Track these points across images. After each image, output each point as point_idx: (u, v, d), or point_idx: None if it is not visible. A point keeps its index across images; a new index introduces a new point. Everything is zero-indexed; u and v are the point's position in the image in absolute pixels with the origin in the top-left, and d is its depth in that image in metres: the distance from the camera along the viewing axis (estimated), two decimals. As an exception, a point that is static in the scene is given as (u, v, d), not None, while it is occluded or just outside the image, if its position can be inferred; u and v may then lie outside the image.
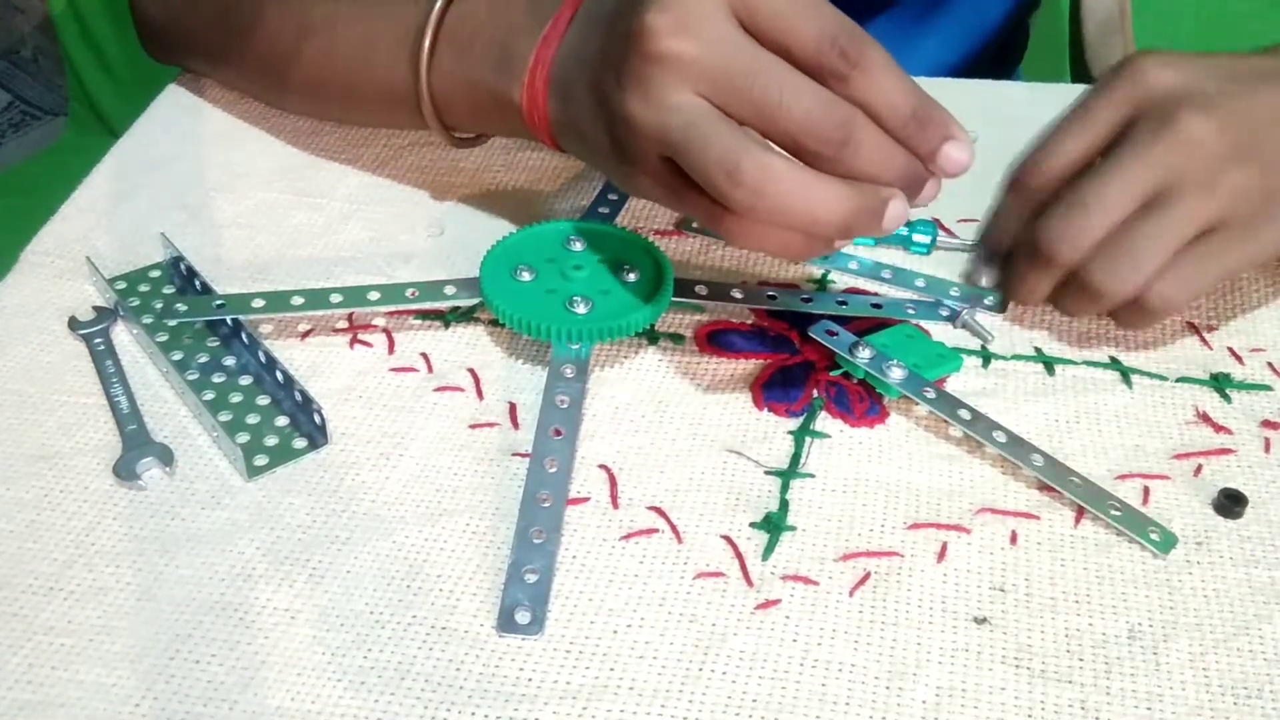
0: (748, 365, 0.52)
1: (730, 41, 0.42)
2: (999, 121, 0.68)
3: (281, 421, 0.49)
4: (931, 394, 0.48)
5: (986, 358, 0.52)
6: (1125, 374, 0.51)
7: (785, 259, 0.56)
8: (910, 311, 0.54)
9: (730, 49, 0.42)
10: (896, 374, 0.49)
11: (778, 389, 0.50)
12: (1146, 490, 0.46)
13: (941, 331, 0.53)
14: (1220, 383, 0.51)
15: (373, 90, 0.59)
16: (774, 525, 0.45)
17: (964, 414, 0.47)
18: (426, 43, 0.55)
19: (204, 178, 0.63)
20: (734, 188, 0.41)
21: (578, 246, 0.54)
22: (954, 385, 0.51)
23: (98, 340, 0.52)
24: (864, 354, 0.49)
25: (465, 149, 0.62)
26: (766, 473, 0.47)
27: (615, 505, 0.46)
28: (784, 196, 0.41)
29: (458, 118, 0.58)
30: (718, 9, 0.42)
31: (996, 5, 0.83)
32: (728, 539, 0.44)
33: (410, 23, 0.56)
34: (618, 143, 0.46)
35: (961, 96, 0.70)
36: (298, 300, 0.52)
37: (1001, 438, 0.47)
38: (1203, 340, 0.53)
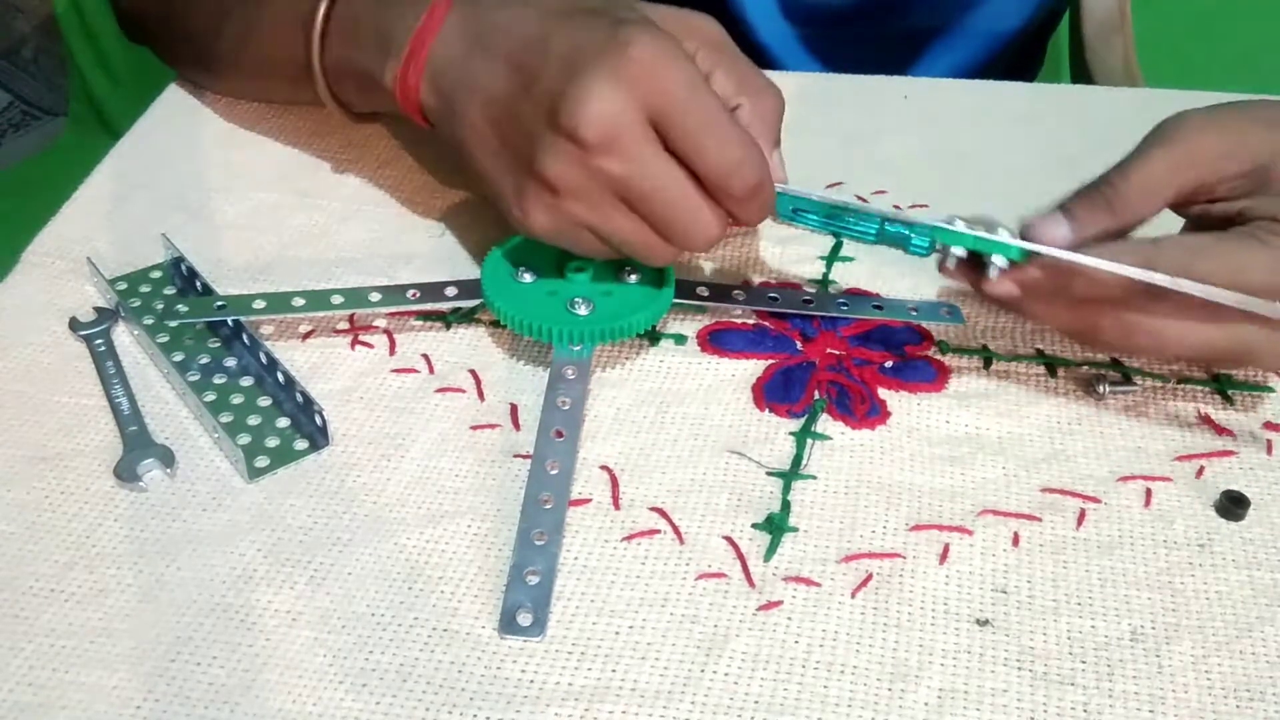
0: (749, 366, 0.52)
1: (649, 161, 0.46)
2: (999, 122, 0.68)
3: (283, 423, 0.49)
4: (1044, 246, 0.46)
5: (988, 359, 0.52)
6: (1127, 375, 0.51)
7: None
8: (913, 312, 0.54)
9: (648, 169, 0.46)
10: (1004, 234, 0.47)
11: (779, 390, 0.50)
12: (1149, 492, 0.46)
13: (940, 332, 0.53)
14: (1222, 385, 0.51)
15: (281, 68, 0.61)
16: (776, 526, 0.45)
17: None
18: (318, 23, 0.56)
19: (204, 178, 0.63)
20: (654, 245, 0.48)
21: (579, 247, 0.54)
22: (955, 388, 0.51)
23: (99, 341, 0.52)
24: (961, 225, 0.48)
25: (364, 124, 0.62)
26: (768, 474, 0.47)
27: (617, 506, 0.46)
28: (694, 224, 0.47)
29: (349, 97, 0.59)
30: (639, 123, 0.45)
31: (1012, 19, 0.83)
32: (729, 540, 0.44)
33: (311, 3, 0.57)
34: (523, 206, 0.48)
35: (962, 96, 0.70)
36: (299, 301, 0.52)
37: (1193, 286, 0.44)
38: (1204, 341, 0.53)
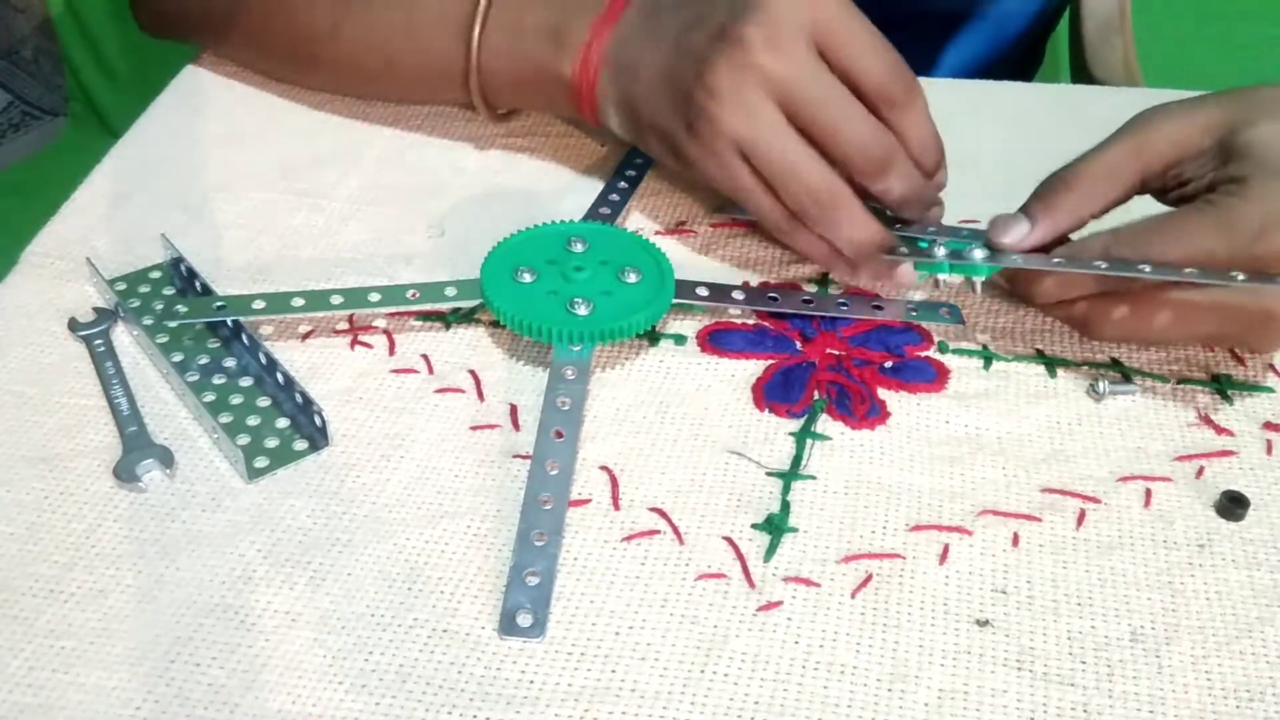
0: (749, 366, 0.52)
1: (809, 65, 0.49)
2: (999, 122, 0.68)
3: (282, 423, 0.49)
4: (1019, 257, 0.50)
5: (988, 359, 0.52)
6: (1127, 376, 0.51)
7: (811, 263, 0.57)
8: (912, 313, 0.54)
9: (808, 72, 0.49)
10: (979, 254, 0.51)
11: (779, 390, 0.50)
12: (1149, 492, 0.46)
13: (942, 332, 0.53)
14: (1222, 385, 0.51)
15: (414, 66, 0.62)
16: (775, 527, 0.45)
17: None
18: (479, 20, 0.59)
19: (204, 178, 0.63)
20: (798, 192, 0.50)
21: (579, 248, 0.54)
22: (955, 388, 0.51)
23: (98, 341, 0.52)
24: (940, 252, 0.52)
25: (502, 123, 0.66)
26: (768, 474, 0.47)
27: (616, 507, 0.46)
28: (834, 210, 0.50)
29: (499, 92, 0.62)
30: (802, 32, 0.49)
31: (1018, 18, 0.83)
32: (729, 540, 0.44)
33: (466, 5, 0.59)
34: (693, 130, 0.51)
35: (962, 96, 0.70)
36: (298, 302, 0.52)
37: (1148, 270, 0.47)
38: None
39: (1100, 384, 0.50)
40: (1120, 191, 0.50)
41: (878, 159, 0.50)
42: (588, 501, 0.46)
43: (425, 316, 0.54)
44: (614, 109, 0.56)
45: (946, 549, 0.44)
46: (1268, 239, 0.45)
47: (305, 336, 0.53)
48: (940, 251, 0.52)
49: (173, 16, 0.71)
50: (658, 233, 0.59)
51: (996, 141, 0.66)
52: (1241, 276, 0.45)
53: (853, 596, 0.42)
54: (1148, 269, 0.46)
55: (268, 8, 0.65)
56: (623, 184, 0.62)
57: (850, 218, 0.50)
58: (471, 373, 0.51)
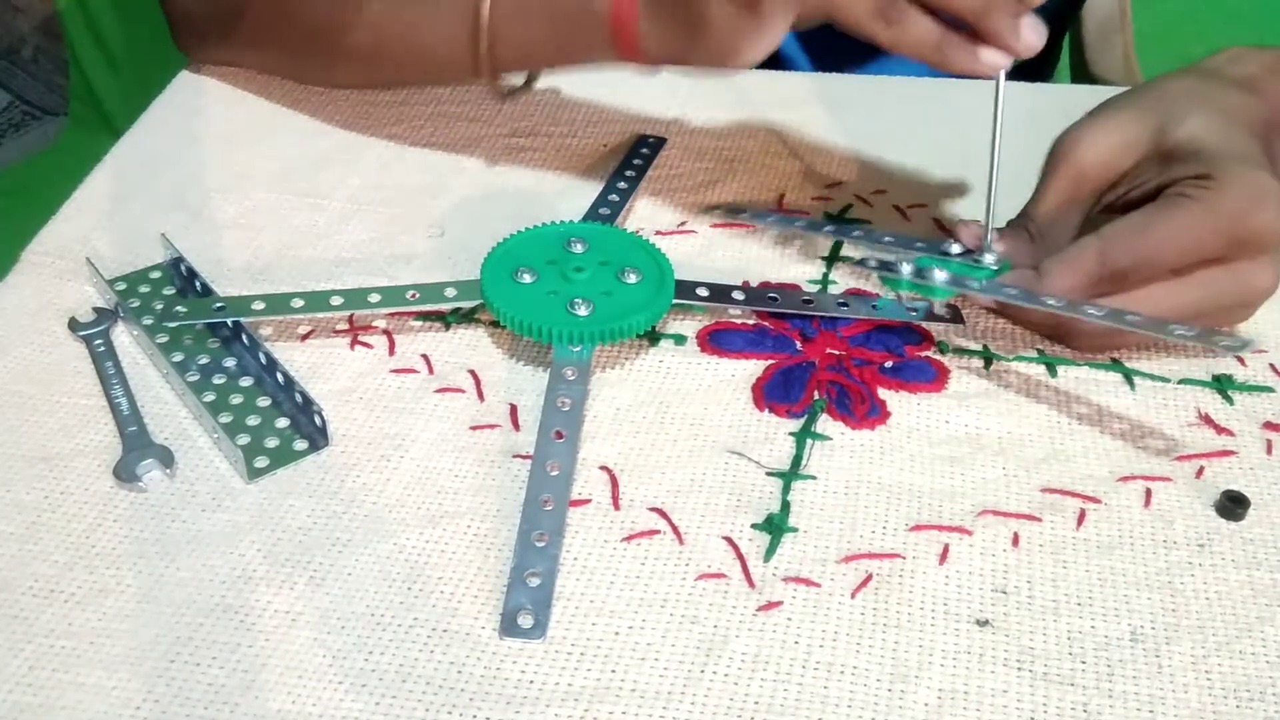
0: (749, 366, 0.52)
1: None
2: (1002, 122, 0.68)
3: (282, 423, 0.49)
4: (977, 284, 0.50)
5: (988, 359, 0.52)
6: (1127, 375, 0.51)
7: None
8: (912, 313, 0.54)
9: None
10: (940, 275, 0.51)
11: (779, 390, 0.50)
12: (1148, 492, 0.46)
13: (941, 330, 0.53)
14: (1222, 384, 0.51)
15: (433, 43, 0.61)
16: (775, 527, 0.45)
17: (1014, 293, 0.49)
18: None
19: (205, 178, 0.63)
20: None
21: (579, 248, 0.54)
22: (955, 388, 0.51)
23: (98, 341, 0.52)
24: (906, 269, 0.52)
25: (510, 101, 0.64)
26: (768, 474, 0.47)
27: (616, 506, 0.46)
28: None
29: (521, 48, 0.59)
30: None
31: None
32: (729, 540, 0.44)
33: None
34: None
35: (963, 96, 0.70)
36: (298, 303, 0.52)
37: (1096, 311, 0.47)
38: (1204, 341, 0.53)
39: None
40: (1074, 227, 0.52)
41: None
42: (588, 501, 0.46)
43: (425, 316, 0.54)
44: (662, 18, 0.53)
45: (946, 549, 0.44)
46: (1251, 217, 0.47)
47: (305, 336, 0.53)
48: (905, 268, 0.52)
49: (202, 34, 0.71)
50: (658, 232, 0.59)
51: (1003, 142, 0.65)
52: (1180, 330, 0.45)
53: (853, 596, 0.42)
54: (1095, 313, 0.47)
55: (292, 5, 0.65)
56: (622, 184, 0.62)
57: None
58: (471, 372, 0.51)
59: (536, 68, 0.64)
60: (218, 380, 0.50)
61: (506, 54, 0.60)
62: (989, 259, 0.51)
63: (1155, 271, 0.48)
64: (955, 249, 0.53)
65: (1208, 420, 0.49)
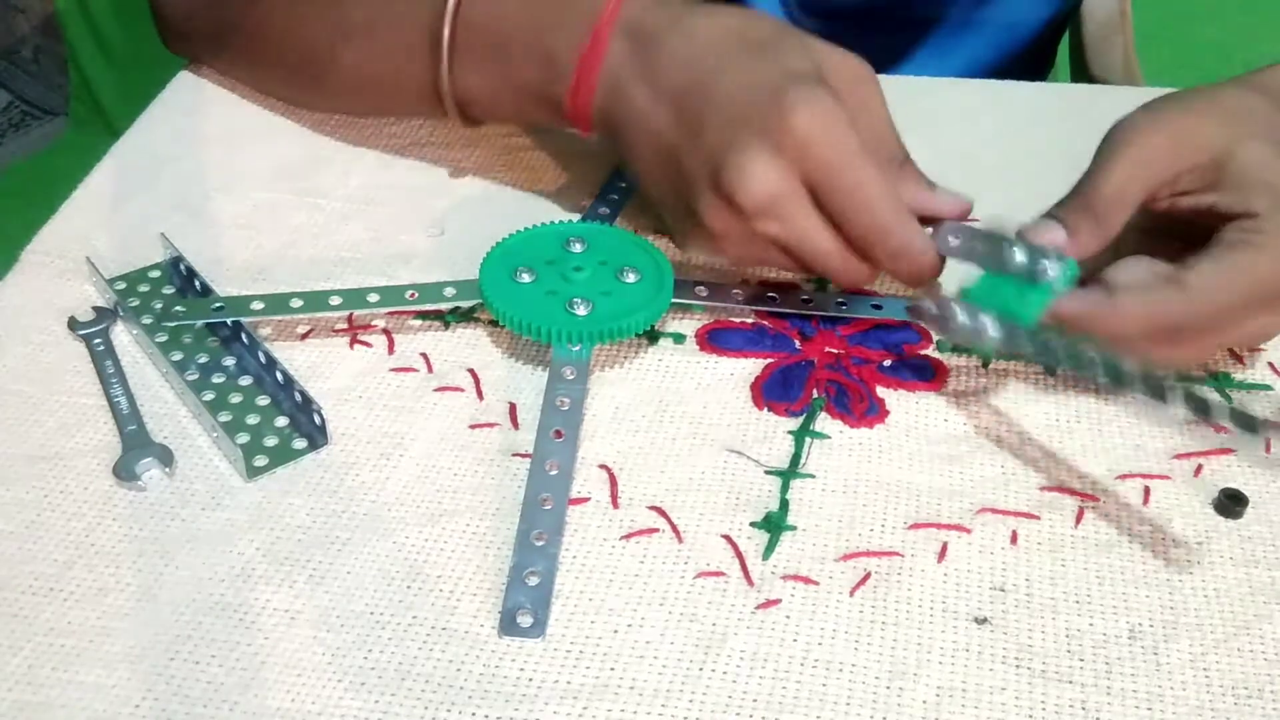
0: (748, 365, 0.52)
1: (800, 225, 0.48)
2: (1001, 121, 0.68)
3: (281, 422, 0.49)
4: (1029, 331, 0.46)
5: (987, 358, 0.52)
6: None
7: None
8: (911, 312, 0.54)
9: (799, 233, 0.48)
10: (990, 329, 0.46)
11: (778, 388, 0.50)
12: (1147, 490, 0.46)
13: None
14: (1221, 383, 0.51)
15: (410, 91, 0.60)
16: (774, 525, 0.45)
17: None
18: (445, 46, 0.56)
19: (204, 178, 0.63)
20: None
21: (578, 248, 0.54)
22: (954, 386, 0.51)
23: (97, 341, 0.52)
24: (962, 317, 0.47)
25: (477, 128, 0.62)
26: (767, 472, 0.47)
27: (616, 505, 0.46)
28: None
29: (487, 113, 0.59)
30: (795, 191, 0.47)
31: (1031, 16, 0.83)
32: (728, 539, 0.44)
33: (434, 18, 0.57)
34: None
35: (964, 96, 0.70)
36: (297, 303, 0.52)
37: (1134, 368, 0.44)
38: (1203, 340, 0.53)
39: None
40: (1130, 213, 0.49)
41: (867, 281, 0.51)
42: (587, 500, 0.46)
43: (424, 315, 0.54)
44: (613, 132, 0.53)
45: (945, 547, 0.44)
46: None
47: (304, 335, 0.53)
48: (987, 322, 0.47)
49: (186, 40, 0.71)
50: (657, 232, 0.59)
51: (996, 140, 0.66)
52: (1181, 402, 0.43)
53: (851, 594, 0.42)
54: (1099, 365, 0.45)
55: (276, 32, 0.64)
56: (622, 184, 0.62)
57: (850, 262, 0.49)
58: (471, 371, 0.51)
59: (505, 123, 0.65)
60: (217, 379, 0.50)
61: (475, 112, 0.59)
62: (1052, 272, 0.46)
63: (1222, 326, 0.47)
64: (1019, 257, 0.46)
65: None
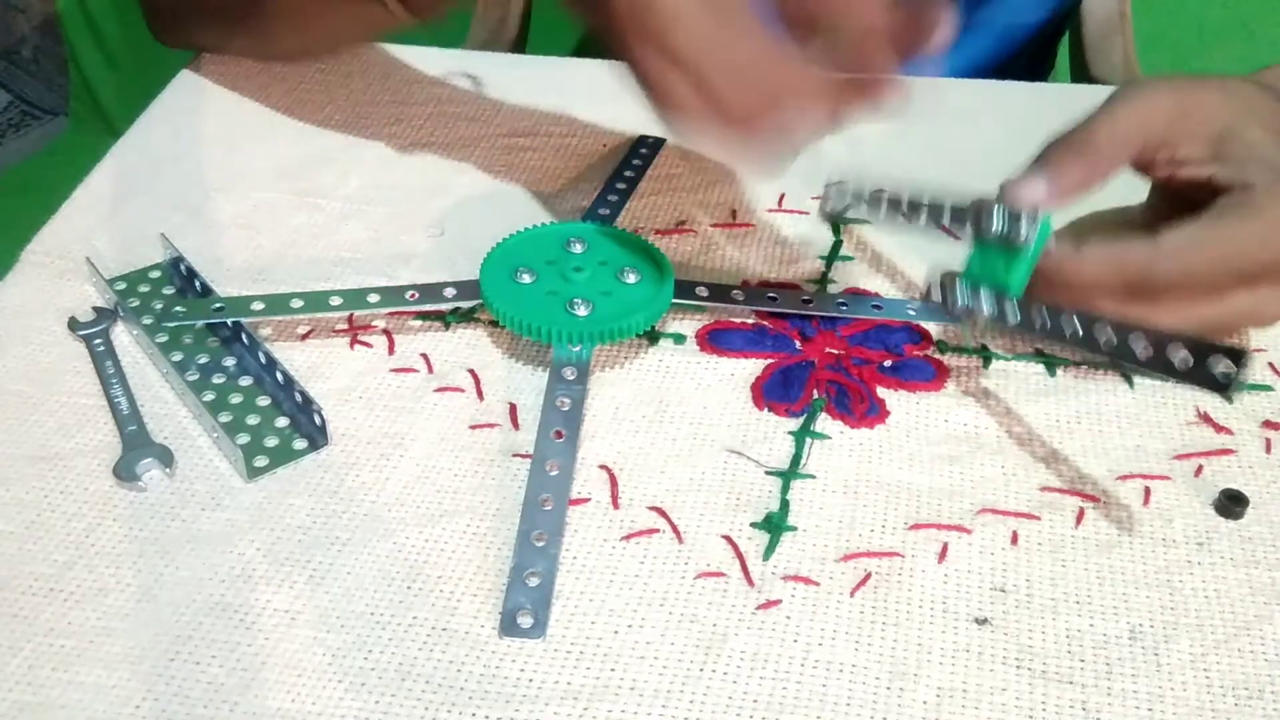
0: (748, 365, 0.52)
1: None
2: (1000, 122, 0.68)
3: (281, 422, 0.49)
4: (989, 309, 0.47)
5: (987, 359, 0.52)
6: (1127, 374, 0.51)
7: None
8: (911, 313, 0.54)
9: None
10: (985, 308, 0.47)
11: (778, 389, 0.50)
12: (1147, 490, 0.46)
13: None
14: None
15: None
16: (775, 525, 0.45)
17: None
18: None
19: (204, 178, 0.63)
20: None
21: (578, 248, 0.54)
22: (954, 387, 0.51)
23: (98, 341, 0.52)
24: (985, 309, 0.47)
25: (419, 22, 0.60)
26: (767, 473, 0.47)
27: (616, 505, 0.46)
28: None
29: None
30: None
31: (1031, 16, 0.83)
32: (728, 539, 0.44)
33: None
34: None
35: (963, 96, 0.70)
36: (297, 303, 0.52)
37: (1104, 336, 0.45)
38: (1203, 340, 0.53)
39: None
40: (1122, 163, 0.49)
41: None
42: (587, 500, 0.46)
43: (425, 316, 0.54)
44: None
45: (945, 547, 0.44)
46: None
47: (304, 336, 0.53)
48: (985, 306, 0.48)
49: (173, 21, 0.72)
50: (657, 232, 0.59)
51: (996, 140, 0.65)
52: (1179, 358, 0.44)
53: (852, 595, 0.42)
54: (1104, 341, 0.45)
55: None
56: (622, 184, 0.62)
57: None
58: (471, 372, 0.51)
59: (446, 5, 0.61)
60: (217, 380, 0.50)
61: None
62: (1026, 232, 0.46)
63: (1194, 288, 0.47)
64: (994, 225, 0.46)
65: (1207, 419, 0.49)
